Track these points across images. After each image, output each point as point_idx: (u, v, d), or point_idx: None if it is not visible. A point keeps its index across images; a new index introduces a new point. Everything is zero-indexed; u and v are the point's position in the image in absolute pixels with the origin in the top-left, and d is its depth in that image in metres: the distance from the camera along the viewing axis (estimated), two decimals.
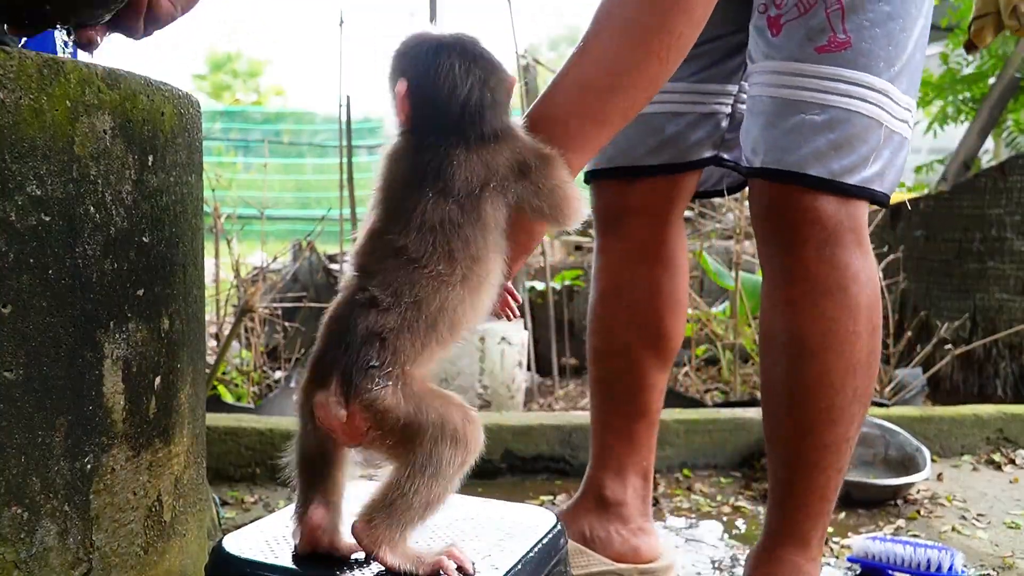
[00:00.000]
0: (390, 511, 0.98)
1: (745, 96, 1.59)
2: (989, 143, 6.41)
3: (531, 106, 1.24)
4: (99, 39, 1.31)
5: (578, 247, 5.76)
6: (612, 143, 1.70)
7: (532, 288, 4.34)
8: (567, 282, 4.57)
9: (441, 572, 1.00)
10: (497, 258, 1.08)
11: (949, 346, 3.41)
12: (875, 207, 1.50)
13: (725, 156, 1.69)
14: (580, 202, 1.13)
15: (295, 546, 1.07)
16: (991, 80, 5.71)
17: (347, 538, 1.04)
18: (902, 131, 1.46)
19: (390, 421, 0.98)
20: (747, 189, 1.64)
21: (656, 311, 1.75)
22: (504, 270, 1.11)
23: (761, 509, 2.32)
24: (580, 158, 1.21)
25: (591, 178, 1.76)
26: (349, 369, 0.97)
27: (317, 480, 1.06)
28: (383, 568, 1.00)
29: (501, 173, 1.07)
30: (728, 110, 1.68)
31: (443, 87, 1.07)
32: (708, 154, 1.70)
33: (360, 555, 1.05)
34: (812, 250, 1.43)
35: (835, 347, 1.45)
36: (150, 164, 1.14)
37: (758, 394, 3.39)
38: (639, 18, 1.22)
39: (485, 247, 1.05)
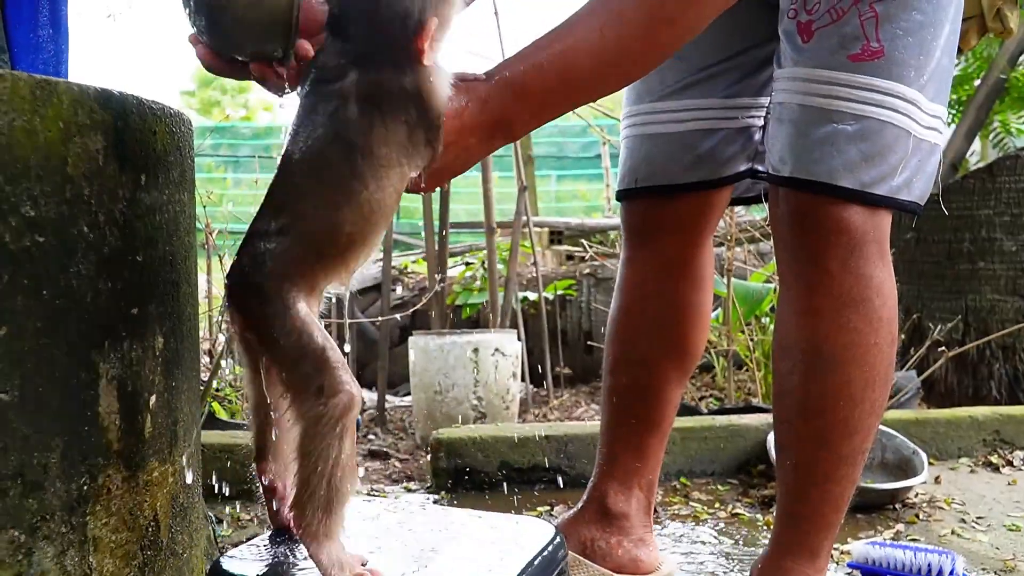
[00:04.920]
0: (308, 495, 1.03)
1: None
2: (976, 144, 6.45)
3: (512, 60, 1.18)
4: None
5: (570, 256, 5.77)
6: (646, 162, 1.71)
7: (525, 298, 4.35)
8: (560, 292, 4.57)
9: None
10: (389, 180, 1.08)
11: (942, 348, 3.42)
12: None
13: (759, 168, 1.67)
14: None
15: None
16: (976, 82, 5.74)
17: None
18: (931, 138, 1.44)
19: (262, 338, 1.05)
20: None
21: (680, 325, 1.74)
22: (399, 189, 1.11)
23: (759, 516, 2.32)
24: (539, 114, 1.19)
25: (623, 196, 1.75)
26: (238, 286, 1.06)
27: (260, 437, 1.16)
28: None
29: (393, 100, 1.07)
30: (761, 123, 1.66)
31: None
32: (743, 168, 1.68)
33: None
34: (838, 260, 1.41)
35: (857, 359, 1.44)
36: (143, 183, 1.14)
37: (753, 401, 3.41)
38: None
39: (373, 170, 1.06)
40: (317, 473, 1.02)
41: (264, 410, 1.14)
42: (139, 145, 1.13)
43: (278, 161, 1.08)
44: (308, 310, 1.05)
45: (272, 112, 22.70)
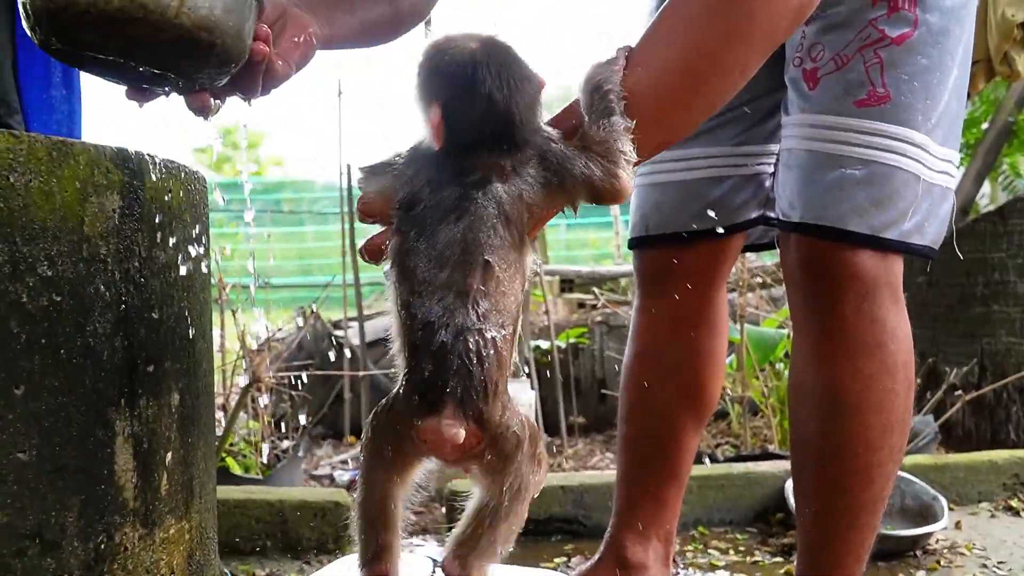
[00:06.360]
0: (477, 540, 1.08)
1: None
2: (986, 187, 6.46)
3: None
4: (213, 104, 1.16)
5: (581, 304, 5.76)
6: (657, 210, 1.71)
7: (537, 347, 4.33)
8: (572, 340, 4.55)
9: None
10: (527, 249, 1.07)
11: (959, 392, 3.39)
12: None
13: (771, 215, 1.66)
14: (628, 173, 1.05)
15: None
16: (984, 125, 5.76)
17: None
18: (942, 182, 1.44)
19: (500, 434, 1.02)
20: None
21: (696, 371, 1.74)
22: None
23: (780, 565, 2.29)
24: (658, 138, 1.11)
25: (635, 244, 1.75)
26: (462, 390, 0.97)
27: (379, 537, 1.11)
28: None
29: (531, 176, 1.04)
30: (771, 170, 1.66)
31: (478, 106, 1.03)
32: (754, 214, 1.68)
33: None
34: (850, 305, 1.41)
35: (873, 405, 1.43)
36: (159, 241, 1.15)
37: (770, 447, 3.38)
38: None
39: (522, 244, 1.04)
40: (503, 509, 1.08)
41: (385, 512, 1.11)
42: (155, 203, 1.14)
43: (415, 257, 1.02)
44: None
45: (282, 166, 22.90)
